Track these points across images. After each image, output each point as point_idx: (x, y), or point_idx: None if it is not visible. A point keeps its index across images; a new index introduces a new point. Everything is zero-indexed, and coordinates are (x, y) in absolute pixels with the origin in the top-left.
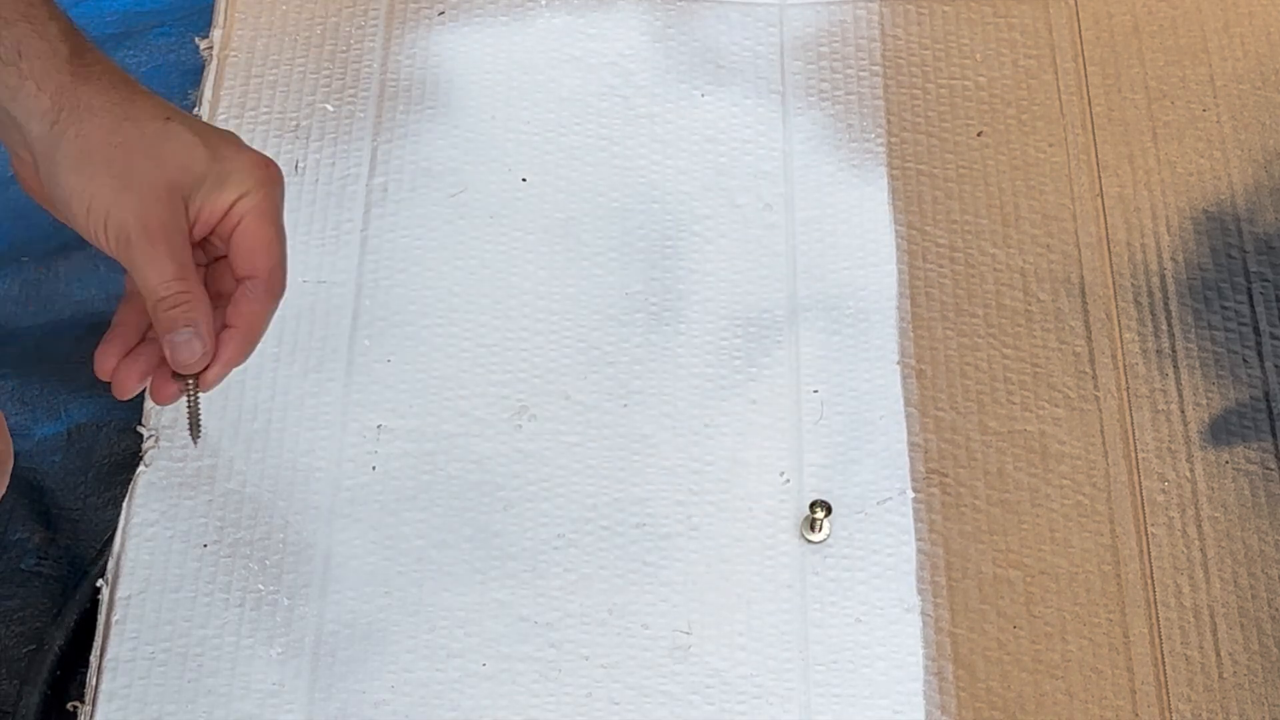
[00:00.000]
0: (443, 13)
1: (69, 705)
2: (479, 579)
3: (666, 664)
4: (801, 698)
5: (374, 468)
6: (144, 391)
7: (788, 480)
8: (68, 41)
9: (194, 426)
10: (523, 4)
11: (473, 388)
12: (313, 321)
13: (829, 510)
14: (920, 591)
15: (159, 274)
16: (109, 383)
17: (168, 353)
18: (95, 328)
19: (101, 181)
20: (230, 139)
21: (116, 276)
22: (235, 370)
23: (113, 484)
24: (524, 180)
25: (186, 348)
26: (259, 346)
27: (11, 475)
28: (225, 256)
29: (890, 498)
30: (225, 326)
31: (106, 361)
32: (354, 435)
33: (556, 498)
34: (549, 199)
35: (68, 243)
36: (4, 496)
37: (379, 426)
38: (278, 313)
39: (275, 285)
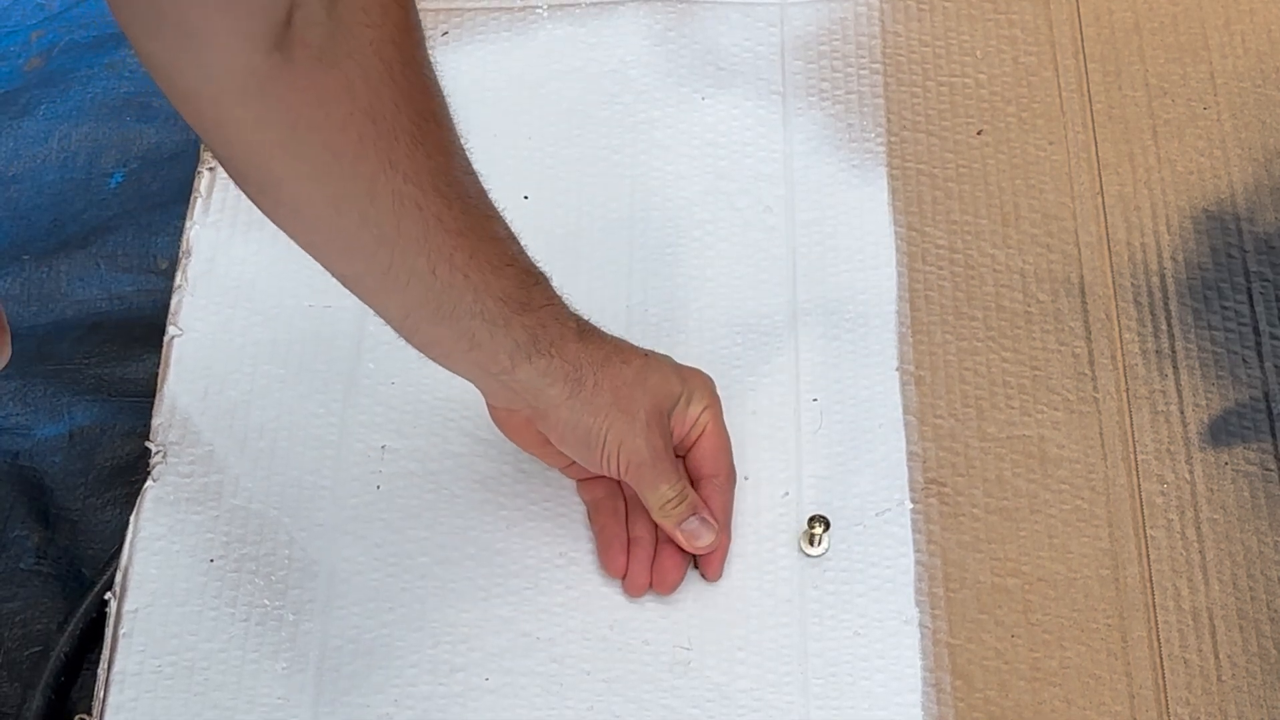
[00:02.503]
0: (446, 33)
1: (76, 718)
2: (482, 595)
3: (667, 678)
4: (801, 711)
5: (378, 487)
6: (149, 399)
7: (786, 494)
8: (573, 318)
9: None
10: (524, 17)
11: (476, 408)
12: (317, 345)
13: (827, 525)
14: (918, 603)
15: (667, 482)
16: (621, 578)
17: (684, 541)
18: (96, 327)
19: (614, 416)
20: (674, 361)
21: (117, 276)
22: (242, 391)
23: (113, 486)
24: (525, 197)
25: (700, 532)
26: (264, 369)
27: (11, 474)
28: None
29: (888, 509)
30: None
31: (618, 563)
32: (358, 455)
33: (558, 516)
34: (550, 214)
35: (68, 242)
36: (4, 496)
37: (383, 447)
38: (283, 337)
39: (733, 477)
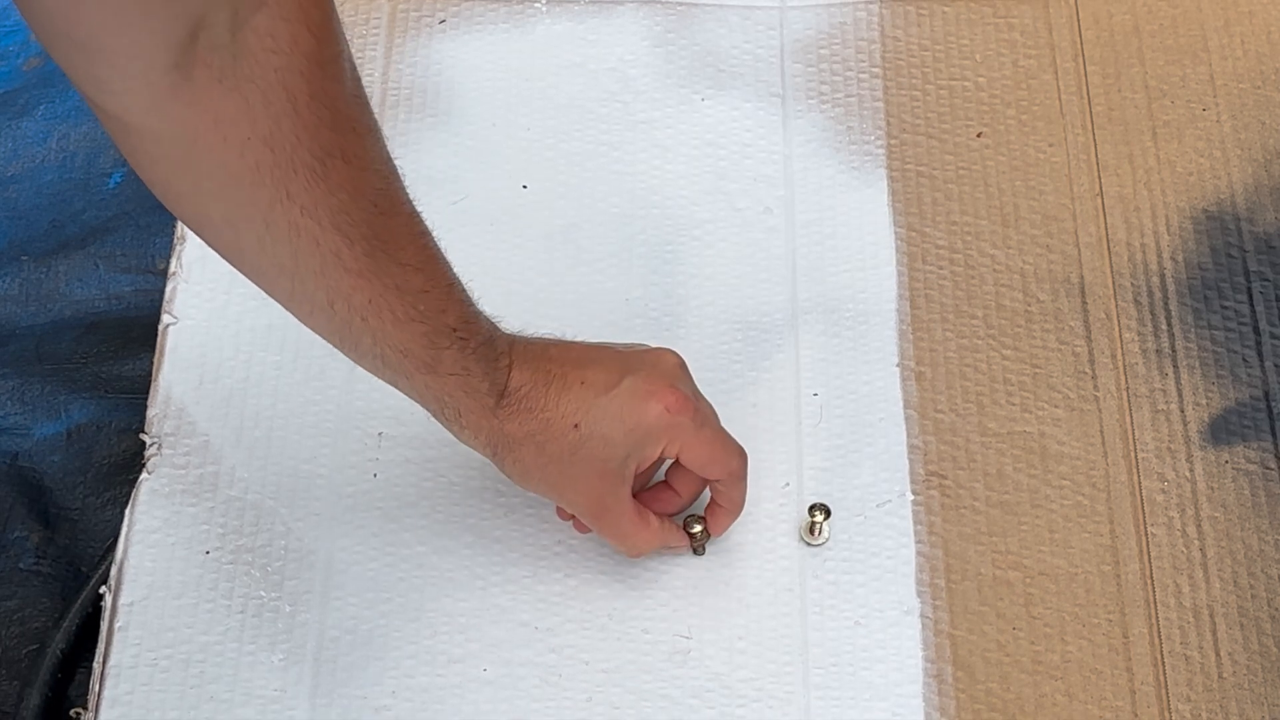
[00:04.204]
0: (444, 21)
1: (71, 711)
2: (480, 584)
3: (666, 668)
4: (801, 701)
5: (375, 475)
6: (145, 394)
7: (787, 484)
8: (493, 392)
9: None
10: (523, 11)
11: None
12: None
13: (828, 513)
14: (919, 594)
15: (624, 539)
16: None
17: None
18: (95, 327)
19: (545, 489)
20: (636, 392)
21: (116, 276)
22: (238, 379)
23: (112, 484)
24: (524, 187)
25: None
26: (259, 355)
27: (11, 474)
28: None
29: (889, 500)
30: (715, 504)
31: (565, 513)
32: (355, 443)
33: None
34: (549, 205)
35: (68, 242)
36: (3, 496)
37: (380, 434)
38: (279, 322)
39: (737, 473)
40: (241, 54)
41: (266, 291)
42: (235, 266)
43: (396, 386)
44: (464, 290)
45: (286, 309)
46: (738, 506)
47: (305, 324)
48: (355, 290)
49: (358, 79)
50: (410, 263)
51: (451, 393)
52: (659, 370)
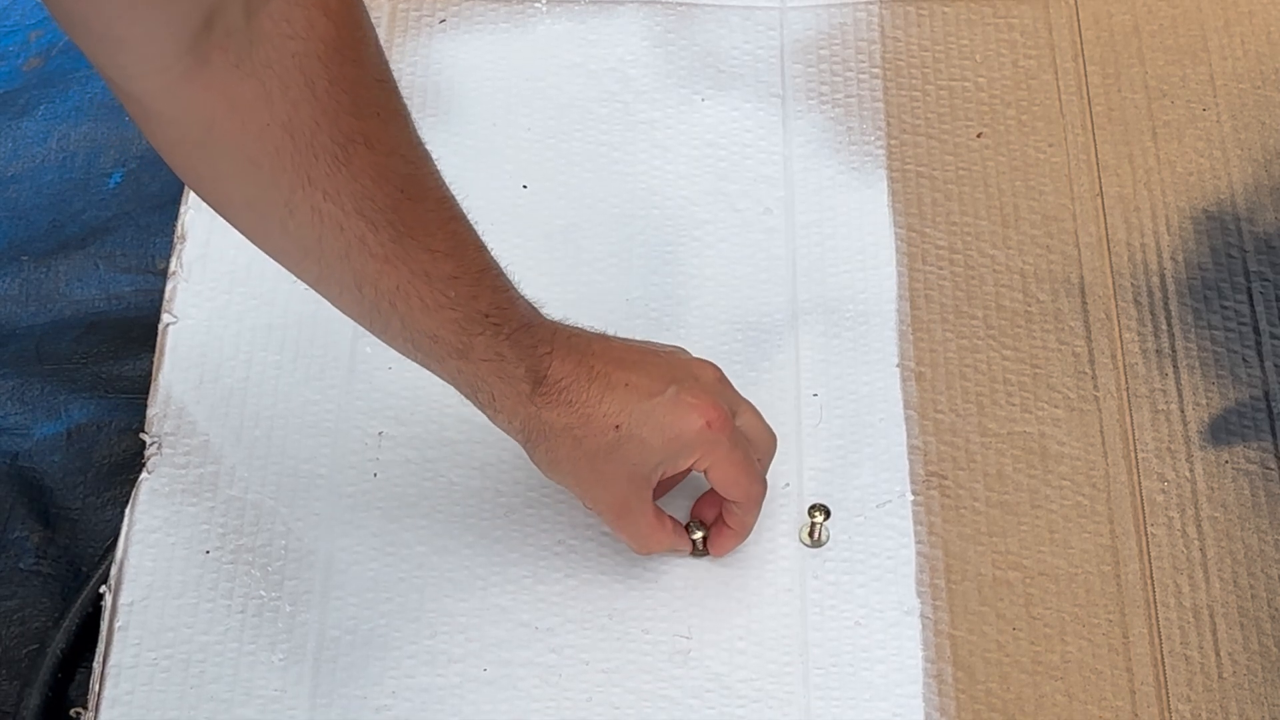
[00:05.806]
0: (443, 20)
1: (71, 711)
2: (480, 585)
3: (666, 668)
4: (801, 701)
5: (375, 474)
6: (145, 394)
7: (787, 485)
8: (529, 378)
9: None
10: (523, 10)
11: None
12: (314, 329)
13: (828, 514)
14: (919, 594)
15: (639, 538)
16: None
17: None
18: (95, 327)
19: (571, 482)
20: (680, 402)
21: (116, 276)
22: (238, 379)
23: (112, 484)
24: (524, 187)
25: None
26: (260, 354)
27: (11, 475)
28: None
29: (889, 500)
30: (723, 524)
31: None
32: (355, 442)
33: (557, 503)
34: (549, 205)
35: (67, 242)
36: (3, 496)
37: (380, 434)
38: (279, 321)
39: (755, 500)
40: (258, 39)
41: (294, 274)
42: (261, 248)
43: (430, 370)
44: (499, 275)
45: (316, 291)
46: (745, 531)
47: (336, 306)
48: (382, 275)
49: (384, 64)
50: (439, 249)
51: (485, 378)
52: (702, 384)
